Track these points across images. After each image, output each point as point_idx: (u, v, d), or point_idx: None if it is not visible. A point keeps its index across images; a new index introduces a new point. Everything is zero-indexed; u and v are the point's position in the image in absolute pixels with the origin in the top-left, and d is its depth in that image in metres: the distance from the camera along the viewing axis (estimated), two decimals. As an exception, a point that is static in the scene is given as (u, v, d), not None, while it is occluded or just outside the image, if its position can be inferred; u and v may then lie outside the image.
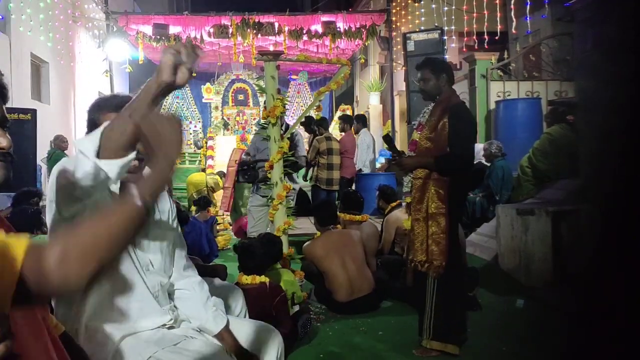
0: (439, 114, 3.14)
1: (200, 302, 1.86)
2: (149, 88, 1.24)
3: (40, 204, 7.18)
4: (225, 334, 1.82)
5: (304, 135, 11.64)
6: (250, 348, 1.85)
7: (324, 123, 7.36)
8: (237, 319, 2.04)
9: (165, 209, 1.87)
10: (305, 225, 6.07)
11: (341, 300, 3.85)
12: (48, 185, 1.60)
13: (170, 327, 1.76)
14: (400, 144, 10.24)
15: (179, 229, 1.94)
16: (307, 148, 7.35)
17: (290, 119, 12.77)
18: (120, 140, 1.21)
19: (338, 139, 7.87)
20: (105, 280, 1.64)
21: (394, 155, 3.32)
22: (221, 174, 8.31)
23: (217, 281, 2.52)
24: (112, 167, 1.23)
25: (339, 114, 13.58)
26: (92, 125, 1.68)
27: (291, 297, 3.50)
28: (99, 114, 1.66)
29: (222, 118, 14.16)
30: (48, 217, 1.61)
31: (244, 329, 1.92)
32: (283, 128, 4.38)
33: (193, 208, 7.53)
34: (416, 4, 9.99)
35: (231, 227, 8.11)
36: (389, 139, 3.43)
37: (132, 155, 1.24)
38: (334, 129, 11.09)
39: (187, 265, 1.93)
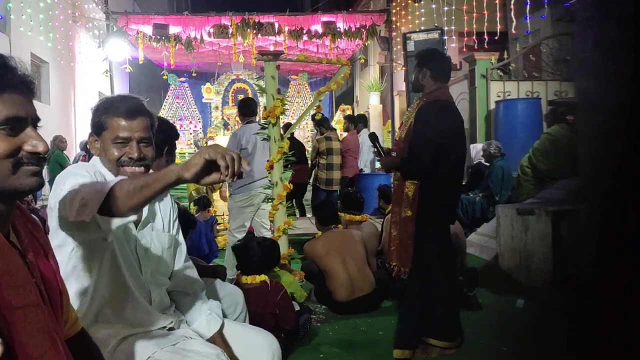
0: (414, 113, 3.03)
1: (195, 305, 1.84)
2: (168, 175, 1.21)
3: (40, 204, 7.18)
4: (218, 339, 1.80)
5: (303, 136, 11.62)
6: (244, 355, 1.83)
7: (324, 123, 7.32)
8: (235, 324, 2.01)
9: (167, 210, 1.86)
10: (305, 225, 6.08)
11: (341, 300, 3.85)
12: (50, 194, 1.60)
13: (170, 329, 1.76)
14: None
15: (180, 230, 1.93)
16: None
17: (290, 119, 12.77)
18: (127, 203, 1.25)
19: (340, 138, 7.86)
20: (106, 285, 1.63)
21: (378, 154, 3.25)
22: None
23: (218, 282, 2.51)
24: (109, 225, 1.28)
25: (339, 114, 13.60)
26: (97, 127, 1.66)
27: (291, 297, 3.50)
28: (106, 117, 1.65)
29: (222, 118, 14.16)
30: (50, 222, 1.61)
31: (239, 335, 1.89)
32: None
33: (192, 207, 7.52)
34: (416, 4, 9.99)
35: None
36: (374, 137, 3.34)
37: (133, 217, 1.30)
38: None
39: (187, 266, 1.92)
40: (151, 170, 1.81)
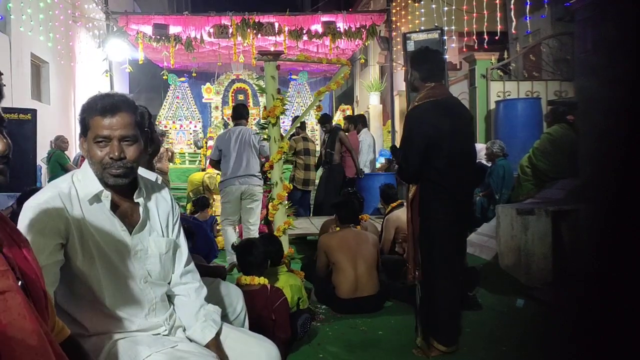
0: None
1: (192, 311, 1.79)
2: None
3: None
4: (213, 347, 1.74)
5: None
6: None
7: (302, 124, 7.38)
8: (235, 330, 1.93)
9: (165, 213, 1.80)
10: (305, 225, 6.07)
11: (343, 297, 3.86)
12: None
13: (166, 335, 1.73)
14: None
15: (182, 232, 1.86)
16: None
17: (291, 119, 12.74)
18: None
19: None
20: (103, 290, 1.61)
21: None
22: None
23: (218, 282, 2.50)
24: None
25: (339, 114, 13.59)
26: (83, 126, 1.63)
27: (297, 303, 3.50)
28: (87, 116, 1.61)
29: (222, 118, 14.15)
30: None
31: (238, 343, 1.83)
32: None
33: (189, 206, 7.54)
34: (416, 4, 9.99)
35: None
36: (394, 149, 3.53)
37: None
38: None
39: (188, 270, 1.85)
40: (140, 169, 1.76)
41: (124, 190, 1.68)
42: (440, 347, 3.03)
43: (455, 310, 3.06)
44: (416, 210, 3.06)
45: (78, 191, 1.63)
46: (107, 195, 1.64)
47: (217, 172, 9.26)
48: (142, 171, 1.80)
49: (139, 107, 1.69)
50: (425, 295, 3.06)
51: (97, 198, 1.63)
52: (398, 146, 3.16)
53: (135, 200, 1.70)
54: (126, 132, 1.59)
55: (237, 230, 7.41)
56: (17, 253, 1.10)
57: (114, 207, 1.66)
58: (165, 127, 13.55)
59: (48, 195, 1.59)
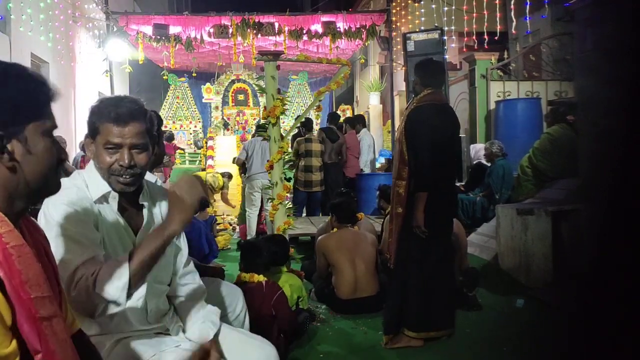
0: (404, 119, 3.28)
1: (191, 312, 1.80)
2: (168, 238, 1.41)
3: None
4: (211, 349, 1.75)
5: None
6: None
7: (307, 124, 7.34)
8: (235, 332, 1.93)
9: (165, 212, 1.80)
10: (305, 225, 6.08)
11: (343, 298, 3.86)
12: (40, 214, 1.57)
13: (167, 334, 1.74)
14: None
15: (182, 234, 1.87)
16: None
17: (290, 119, 12.76)
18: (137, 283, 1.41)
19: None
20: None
21: None
22: (226, 175, 8.34)
23: (218, 281, 2.50)
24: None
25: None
26: (91, 130, 1.62)
27: (296, 301, 3.50)
28: (99, 121, 1.59)
29: (222, 118, 14.16)
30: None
31: (237, 344, 1.83)
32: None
33: None
34: (416, 4, 9.98)
35: (231, 228, 8.12)
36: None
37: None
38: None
39: (188, 270, 1.88)
40: (148, 174, 1.78)
41: (130, 192, 1.69)
42: (410, 334, 3.18)
43: (426, 299, 3.19)
44: (405, 206, 3.19)
45: (90, 191, 1.64)
46: (114, 197, 1.65)
47: (218, 172, 9.31)
48: None
49: (148, 111, 1.68)
50: (397, 283, 3.26)
51: (104, 199, 1.64)
52: (406, 155, 3.19)
53: (141, 203, 1.71)
54: (137, 141, 1.59)
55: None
56: (39, 250, 1.10)
57: (120, 208, 1.67)
58: (165, 127, 13.55)
59: (74, 192, 1.60)
